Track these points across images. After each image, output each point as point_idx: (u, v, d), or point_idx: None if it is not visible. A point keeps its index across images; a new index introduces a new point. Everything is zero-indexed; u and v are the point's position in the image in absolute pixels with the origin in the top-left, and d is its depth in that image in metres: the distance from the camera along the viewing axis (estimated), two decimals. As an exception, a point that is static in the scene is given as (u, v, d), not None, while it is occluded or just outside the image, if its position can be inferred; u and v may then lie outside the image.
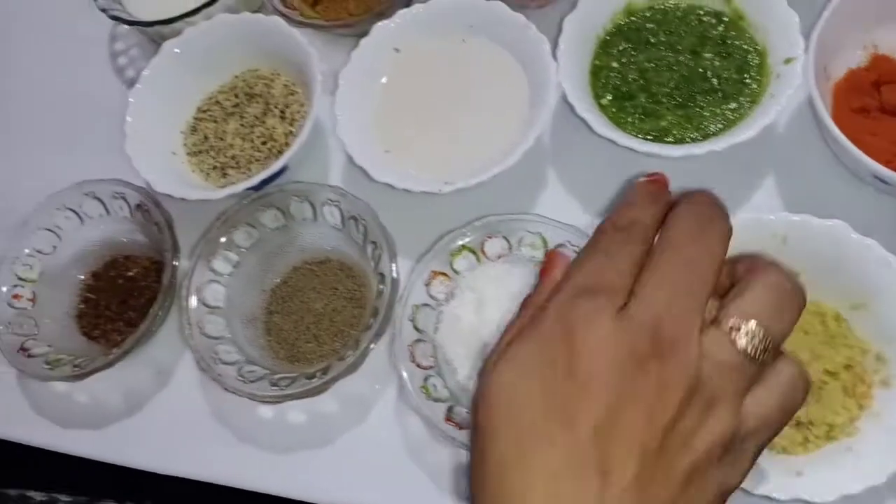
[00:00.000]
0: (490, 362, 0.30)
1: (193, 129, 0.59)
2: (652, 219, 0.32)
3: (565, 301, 0.30)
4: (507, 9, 0.53)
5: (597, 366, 0.27)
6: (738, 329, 0.28)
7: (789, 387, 0.30)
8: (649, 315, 0.28)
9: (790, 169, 0.52)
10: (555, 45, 0.52)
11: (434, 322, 0.50)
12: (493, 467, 0.28)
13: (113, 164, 0.56)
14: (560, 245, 0.49)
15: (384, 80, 0.56)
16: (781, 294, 0.30)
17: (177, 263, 0.52)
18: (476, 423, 0.29)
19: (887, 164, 0.48)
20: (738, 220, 0.46)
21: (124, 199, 0.55)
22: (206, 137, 0.58)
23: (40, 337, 0.54)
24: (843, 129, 0.50)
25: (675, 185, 0.53)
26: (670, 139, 0.51)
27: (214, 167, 0.57)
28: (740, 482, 0.29)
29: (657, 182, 0.35)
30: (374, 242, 0.51)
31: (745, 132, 0.48)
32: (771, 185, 0.52)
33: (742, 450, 0.29)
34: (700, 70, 0.52)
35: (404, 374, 0.47)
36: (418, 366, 0.48)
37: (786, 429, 0.43)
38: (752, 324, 0.29)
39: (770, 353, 0.29)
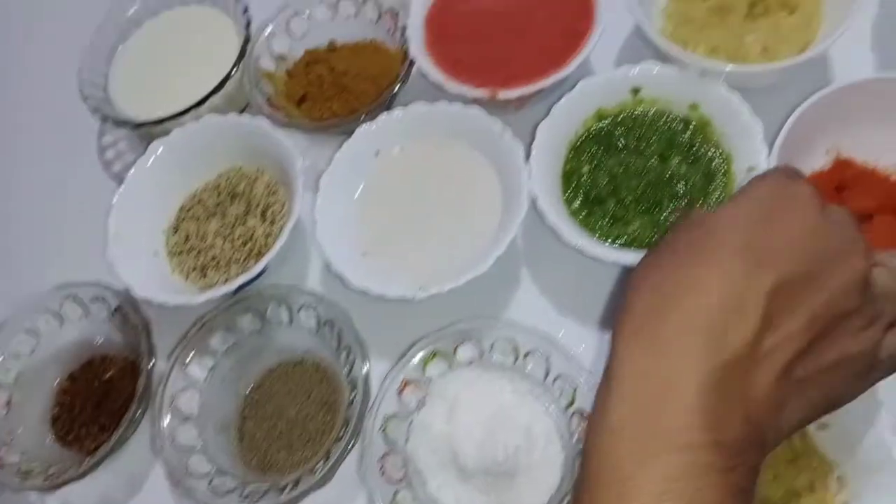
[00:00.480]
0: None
1: (175, 229, 0.60)
2: None
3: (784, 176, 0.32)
4: (483, 115, 0.55)
5: (800, 231, 0.30)
6: None
7: None
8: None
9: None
10: (528, 149, 0.53)
11: (405, 432, 0.50)
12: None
13: (95, 263, 0.57)
14: (530, 352, 0.50)
15: (363, 183, 0.57)
16: None
17: (152, 367, 0.52)
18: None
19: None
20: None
21: (104, 301, 0.56)
22: (187, 237, 0.59)
23: (13, 444, 0.54)
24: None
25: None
26: (638, 244, 0.51)
27: (194, 268, 0.58)
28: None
29: None
30: (347, 348, 0.51)
31: (711, 241, 0.48)
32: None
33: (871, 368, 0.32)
34: (667, 176, 0.53)
35: (375, 491, 0.46)
36: (388, 480, 0.48)
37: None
38: None
39: None
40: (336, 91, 0.63)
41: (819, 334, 0.29)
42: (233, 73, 0.62)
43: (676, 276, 0.30)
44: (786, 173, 0.33)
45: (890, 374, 0.33)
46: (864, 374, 0.32)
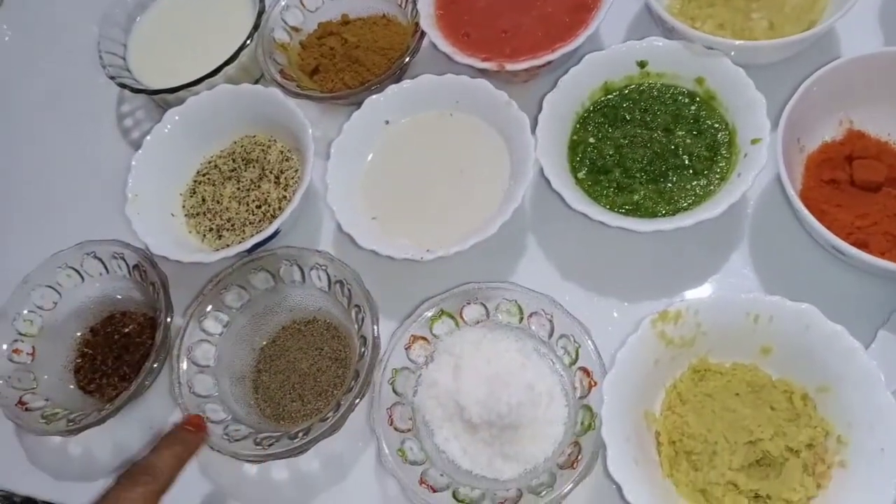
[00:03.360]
0: None
1: (192, 192, 0.62)
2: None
3: None
4: (491, 87, 0.56)
5: None
6: None
7: None
8: None
9: (762, 242, 0.54)
10: (535, 120, 0.55)
11: (413, 385, 0.52)
12: None
13: (115, 224, 0.59)
14: (534, 313, 0.52)
15: (373, 150, 0.59)
16: None
17: (170, 321, 0.54)
18: None
19: (847, 237, 0.50)
20: (711, 298, 0.48)
21: (123, 259, 0.58)
22: (203, 200, 0.61)
23: (38, 391, 0.56)
24: (812, 200, 0.52)
25: (649, 258, 0.56)
26: (642, 213, 0.53)
27: (210, 229, 0.60)
28: None
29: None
30: (357, 306, 0.53)
31: (712, 209, 0.50)
32: (743, 258, 0.54)
33: None
34: (672, 147, 0.55)
35: (381, 439, 0.48)
36: (396, 429, 0.50)
37: (744, 501, 0.45)
38: None
39: None
40: (348, 63, 0.65)
41: None
42: (247, 43, 0.64)
43: None
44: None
45: None
46: None
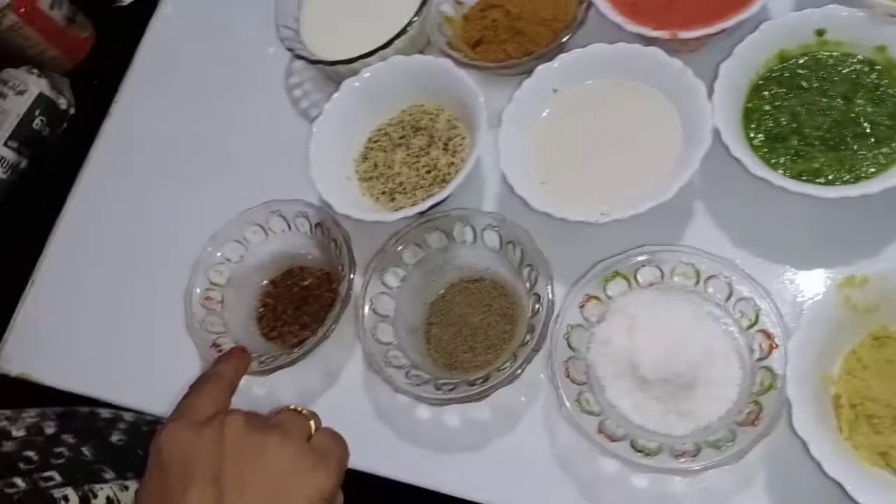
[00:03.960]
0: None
1: (364, 158, 0.66)
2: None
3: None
4: (664, 55, 0.57)
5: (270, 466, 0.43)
6: None
7: None
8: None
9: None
10: (708, 88, 0.56)
11: (586, 342, 0.54)
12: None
13: (296, 186, 0.64)
14: (712, 276, 0.52)
15: (543, 118, 0.61)
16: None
17: (353, 276, 0.58)
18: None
19: None
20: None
21: (306, 217, 0.62)
22: (375, 165, 0.65)
23: (227, 336, 0.61)
24: None
25: (827, 227, 0.55)
26: (822, 180, 0.53)
27: (383, 192, 0.64)
28: None
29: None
30: (530, 265, 0.55)
31: (899, 177, 0.49)
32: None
33: None
34: (852, 115, 0.54)
35: (561, 389, 0.51)
36: (573, 381, 0.52)
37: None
38: None
39: None
40: (511, 34, 0.67)
41: None
42: (415, 17, 0.67)
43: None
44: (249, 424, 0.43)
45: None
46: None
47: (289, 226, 0.64)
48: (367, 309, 0.57)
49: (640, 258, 0.54)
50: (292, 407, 0.47)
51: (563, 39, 0.62)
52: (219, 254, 0.63)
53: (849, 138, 0.54)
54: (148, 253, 0.71)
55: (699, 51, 0.61)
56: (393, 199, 0.63)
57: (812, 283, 0.52)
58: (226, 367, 0.49)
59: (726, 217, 0.57)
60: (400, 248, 0.59)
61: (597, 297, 0.54)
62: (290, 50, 0.70)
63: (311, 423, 0.46)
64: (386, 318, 0.57)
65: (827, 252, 0.54)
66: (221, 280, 0.63)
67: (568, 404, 0.50)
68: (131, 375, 0.66)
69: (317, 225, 0.62)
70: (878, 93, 0.55)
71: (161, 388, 0.59)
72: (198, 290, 0.62)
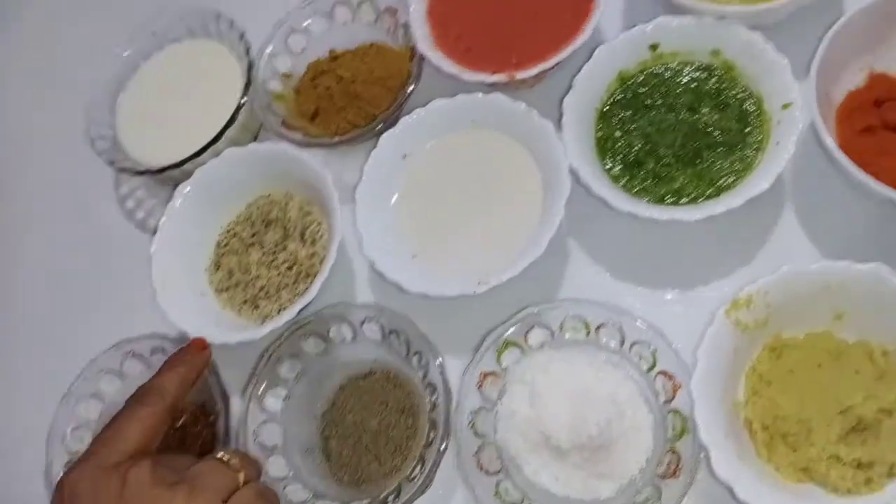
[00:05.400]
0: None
1: (217, 266, 0.60)
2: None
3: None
4: (507, 99, 0.55)
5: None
6: None
7: None
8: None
9: (808, 206, 0.53)
10: (555, 123, 0.53)
11: (492, 423, 0.50)
12: None
13: (150, 313, 0.57)
14: (602, 325, 0.50)
15: (398, 187, 0.57)
16: None
17: (228, 407, 0.52)
18: None
19: (898, 183, 0.49)
20: (779, 275, 0.47)
21: (163, 351, 0.56)
22: (231, 273, 0.59)
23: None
24: (853, 153, 0.50)
25: (700, 243, 0.54)
26: (686, 199, 0.52)
27: (245, 301, 0.58)
28: None
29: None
30: (418, 353, 0.51)
31: (759, 183, 0.48)
32: (793, 227, 0.53)
33: None
34: (700, 126, 0.53)
35: (476, 487, 0.47)
36: (487, 472, 0.48)
37: (849, 471, 0.44)
38: None
39: None
40: (347, 100, 0.62)
41: None
42: (243, 102, 0.61)
43: None
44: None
45: None
46: None
47: (147, 365, 0.57)
48: (251, 444, 0.51)
49: (527, 321, 0.51)
50: (220, 455, 0.42)
51: (401, 101, 0.58)
52: (72, 426, 0.55)
53: (703, 150, 0.53)
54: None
55: (542, 83, 0.59)
56: (257, 307, 0.58)
57: (699, 308, 0.51)
58: (170, 378, 0.46)
59: (601, 253, 0.55)
60: (275, 364, 0.53)
61: (493, 373, 0.51)
62: (110, 164, 0.63)
63: (241, 475, 0.41)
64: (274, 449, 0.52)
65: (707, 270, 0.53)
66: (83, 447, 0.55)
67: (488, 501, 0.47)
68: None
69: (178, 357, 0.55)
70: (721, 98, 0.54)
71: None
72: (57, 471, 0.54)
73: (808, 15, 0.54)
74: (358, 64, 0.63)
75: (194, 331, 0.54)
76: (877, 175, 0.49)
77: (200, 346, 0.49)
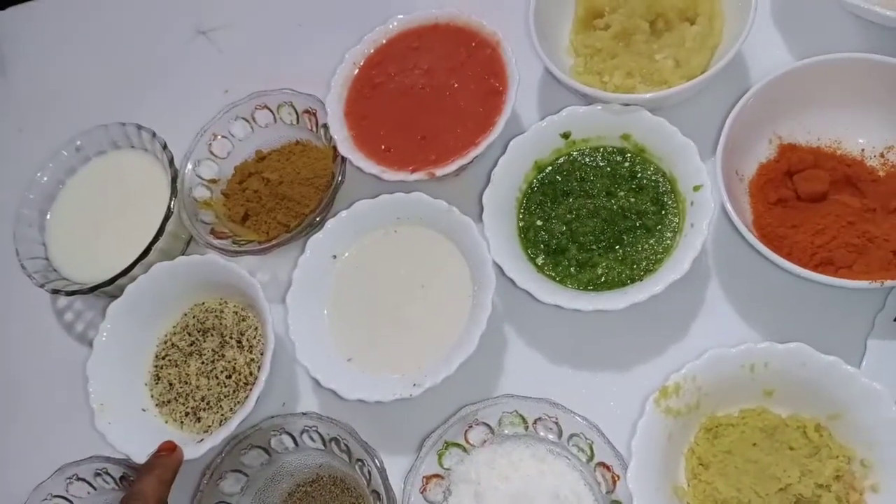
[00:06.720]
0: None
1: (157, 379, 0.59)
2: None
3: None
4: (428, 198, 0.55)
5: None
6: None
7: None
8: None
9: (735, 282, 0.54)
10: (478, 215, 0.54)
11: (439, 526, 0.50)
12: None
13: (91, 435, 0.56)
14: (539, 419, 0.51)
15: (329, 290, 0.57)
16: None
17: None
18: None
19: (811, 258, 0.50)
20: (704, 359, 0.48)
21: (107, 473, 0.55)
22: (171, 385, 0.59)
23: None
24: (766, 228, 0.52)
25: (630, 326, 0.55)
26: (609, 285, 0.53)
27: (186, 413, 0.58)
28: None
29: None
30: (360, 460, 0.51)
31: (678, 268, 0.50)
32: (719, 302, 0.54)
33: None
34: (618, 209, 0.55)
35: None
36: (436, 580, 0.48)
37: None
38: None
39: None
40: (276, 201, 0.63)
41: None
42: (170, 212, 0.61)
43: None
44: None
45: None
46: None
47: (93, 487, 0.56)
48: (198, 570, 0.50)
49: (466, 420, 0.51)
50: None
51: (328, 200, 0.59)
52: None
53: (623, 235, 0.54)
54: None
55: (462, 175, 0.60)
56: (199, 419, 0.57)
57: (635, 389, 0.52)
58: (148, 482, 0.48)
59: (537, 338, 0.56)
60: (217, 481, 0.53)
61: (436, 475, 0.51)
62: (41, 286, 0.62)
63: None
64: (223, 572, 0.51)
65: (638, 351, 0.54)
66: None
67: None
68: None
69: (121, 479, 0.55)
70: (636, 180, 0.55)
71: None
72: None
73: (711, 93, 0.56)
74: (284, 164, 0.64)
75: (136, 452, 0.53)
76: (791, 251, 0.50)
77: (170, 448, 0.52)
